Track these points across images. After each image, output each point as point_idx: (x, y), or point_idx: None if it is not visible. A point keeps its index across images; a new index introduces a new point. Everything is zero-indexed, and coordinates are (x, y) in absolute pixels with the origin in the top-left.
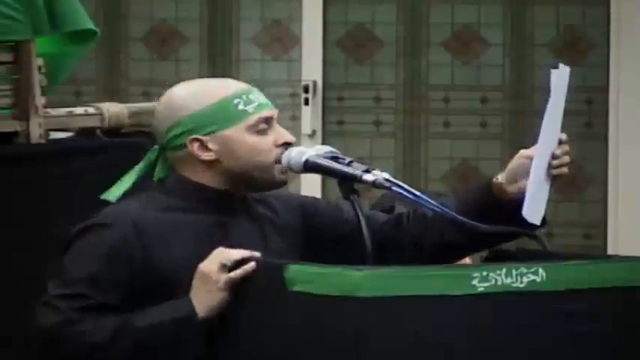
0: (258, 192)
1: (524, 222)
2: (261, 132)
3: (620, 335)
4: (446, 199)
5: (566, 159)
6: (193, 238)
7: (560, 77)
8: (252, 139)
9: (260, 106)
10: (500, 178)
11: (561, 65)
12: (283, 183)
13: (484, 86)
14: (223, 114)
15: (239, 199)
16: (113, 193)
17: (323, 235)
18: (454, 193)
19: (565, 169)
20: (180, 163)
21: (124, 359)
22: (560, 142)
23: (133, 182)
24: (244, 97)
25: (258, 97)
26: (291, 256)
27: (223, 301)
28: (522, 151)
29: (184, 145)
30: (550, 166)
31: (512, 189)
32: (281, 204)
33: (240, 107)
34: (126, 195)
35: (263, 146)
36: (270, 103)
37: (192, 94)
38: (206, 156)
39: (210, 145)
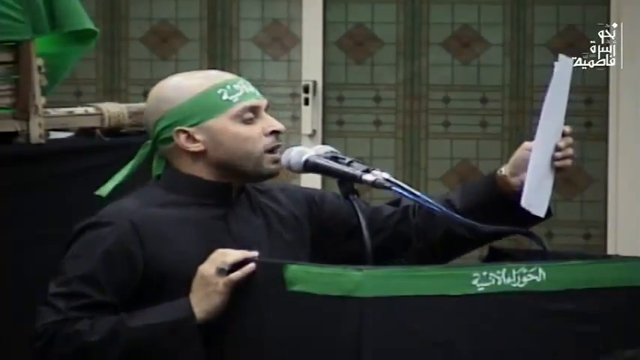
0: (252, 182)
1: (527, 214)
2: (248, 121)
3: (620, 335)
4: (451, 193)
5: (570, 151)
6: (194, 233)
7: (562, 68)
8: (238, 129)
9: (245, 96)
10: (504, 170)
11: (562, 56)
12: (274, 173)
13: (484, 86)
14: (207, 104)
15: (238, 190)
16: (105, 189)
17: (332, 229)
18: (460, 188)
19: (568, 162)
20: (171, 156)
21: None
22: (564, 134)
23: (126, 177)
24: (228, 87)
25: (243, 86)
26: (295, 247)
27: (222, 303)
28: (526, 143)
29: (172, 138)
30: (553, 158)
31: (515, 181)
32: (285, 196)
33: (225, 97)
34: (123, 192)
35: (250, 135)
36: (257, 92)
37: (177, 86)
38: (193, 147)
39: (196, 137)
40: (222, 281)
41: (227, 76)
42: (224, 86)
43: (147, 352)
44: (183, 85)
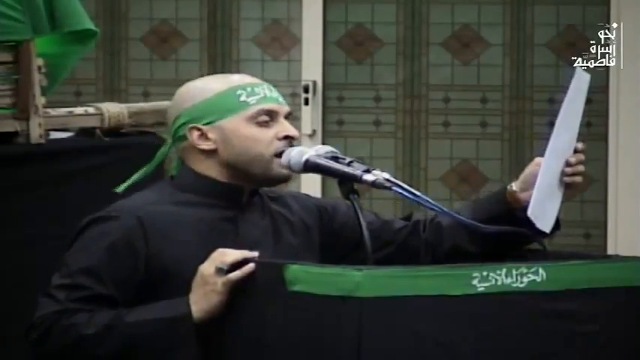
0: (262, 186)
1: (536, 230)
2: (262, 124)
3: (620, 335)
4: (462, 208)
5: (581, 168)
6: (201, 233)
7: (579, 82)
8: (250, 130)
9: (264, 99)
10: (515, 185)
11: (580, 70)
12: (284, 178)
13: (484, 86)
14: (224, 104)
15: (250, 193)
16: (121, 186)
17: (342, 238)
18: (471, 203)
19: (578, 178)
20: (185, 154)
21: (114, 354)
22: (576, 151)
23: (144, 175)
24: (249, 89)
25: (265, 91)
26: (303, 255)
27: (220, 303)
28: (537, 159)
29: (187, 136)
30: (563, 174)
31: (524, 196)
32: (297, 203)
33: (242, 98)
34: (139, 188)
35: (261, 138)
36: (280, 99)
37: (199, 86)
38: (205, 145)
39: (209, 135)
40: (220, 281)
41: (251, 79)
42: (244, 88)
43: (142, 348)
44: (205, 85)
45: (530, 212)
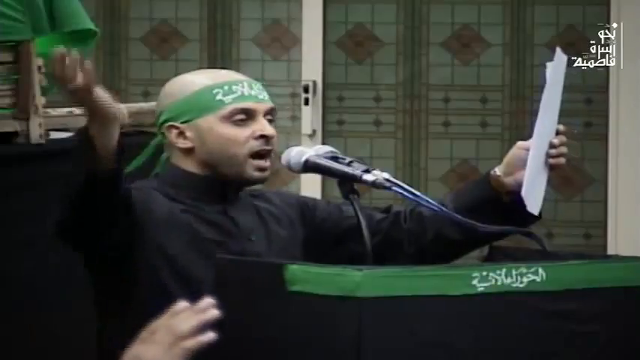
0: (237, 186)
1: (521, 215)
2: (238, 123)
3: (620, 335)
4: (448, 195)
5: (563, 149)
6: (193, 223)
7: (556, 65)
8: (226, 130)
9: (240, 98)
10: (498, 170)
11: (558, 52)
12: (258, 181)
13: (484, 86)
14: (200, 103)
15: (234, 188)
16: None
17: (324, 234)
18: (455, 190)
19: (562, 160)
20: (168, 150)
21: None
22: (558, 133)
23: (135, 167)
24: (226, 87)
25: (245, 88)
26: (292, 247)
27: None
28: (519, 143)
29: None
30: (547, 155)
31: (509, 180)
32: (279, 199)
33: (218, 97)
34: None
35: (235, 137)
36: (260, 96)
37: (182, 82)
38: (182, 144)
39: (187, 134)
40: None
41: (232, 76)
42: (222, 86)
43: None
44: (188, 81)
45: (524, 193)
